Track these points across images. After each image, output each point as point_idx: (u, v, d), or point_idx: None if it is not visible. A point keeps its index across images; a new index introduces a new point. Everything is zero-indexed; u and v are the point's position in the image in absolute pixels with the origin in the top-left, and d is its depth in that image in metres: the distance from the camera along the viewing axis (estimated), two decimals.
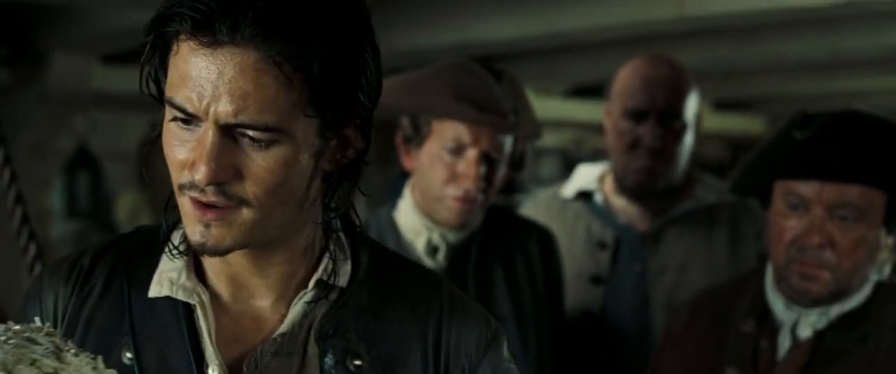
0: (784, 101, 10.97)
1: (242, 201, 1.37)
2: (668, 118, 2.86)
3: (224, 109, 1.33)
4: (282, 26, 1.33)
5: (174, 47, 1.37)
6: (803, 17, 6.16)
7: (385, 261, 1.58)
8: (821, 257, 2.26)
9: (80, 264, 1.55)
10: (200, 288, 1.49)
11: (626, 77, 2.95)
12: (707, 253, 2.92)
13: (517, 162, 2.60)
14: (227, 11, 1.32)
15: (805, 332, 2.31)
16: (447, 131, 2.45)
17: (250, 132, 1.35)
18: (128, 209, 10.07)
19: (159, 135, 1.43)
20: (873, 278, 2.33)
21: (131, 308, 1.49)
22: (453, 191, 2.47)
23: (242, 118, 1.34)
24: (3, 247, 2.26)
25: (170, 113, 1.39)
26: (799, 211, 2.29)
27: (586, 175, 3.11)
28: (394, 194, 2.64)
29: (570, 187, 3.10)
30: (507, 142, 2.52)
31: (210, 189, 1.36)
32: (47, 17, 6.68)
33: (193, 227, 1.39)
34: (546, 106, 10.02)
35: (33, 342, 1.28)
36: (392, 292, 1.53)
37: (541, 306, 2.61)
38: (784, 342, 2.33)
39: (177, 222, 1.51)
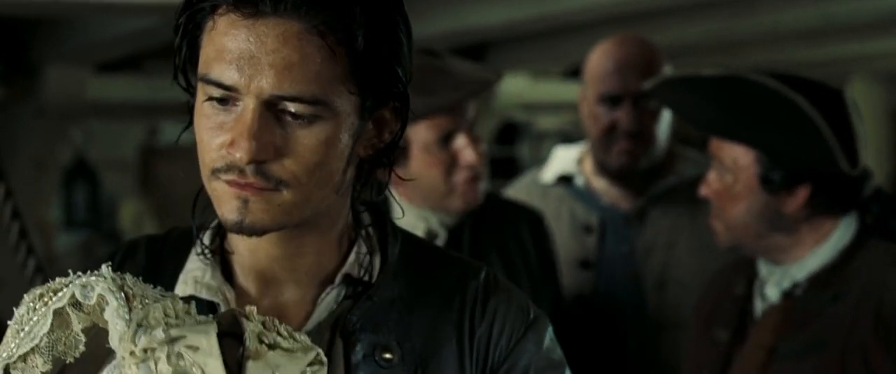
0: (781, 70, 10.94)
1: (281, 182, 1.32)
2: (643, 100, 2.84)
3: (268, 81, 1.29)
4: None
5: (209, 24, 1.32)
6: None
7: (418, 253, 1.52)
8: (713, 207, 2.38)
9: (111, 263, 1.53)
10: (226, 287, 1.45)
11: (597, 61, 2.91)
12: (693, 228, 2.88)
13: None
14: None
15: (771, 291, 2.32)
16: (428, 128, 2.40)
17: (293, 107, 1.30)
18: (131, 217, 10.07)
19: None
20: (835, 238, 2.30)
21: None
22: (461, 176, 2.45)
23: (287, 90, 1.29)
24: (9, 266, 2.26)
25: (203, 93, 1.34)
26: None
27: (565, 158, 3.06)
28: None
29: (550, 172, 3.05)
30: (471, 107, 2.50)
31: (249, 169, 1.30)
32: (40, 31, 6.67)
33: (230, 205, 1.33)
34: (545, 89, 10.02)
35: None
36: (425, 284, 1.48)
37: (537, 288, 2.57)
38: (757, 302, 2.35)
39: (206, 222, 1.47)
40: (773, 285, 2.32)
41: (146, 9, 5.15)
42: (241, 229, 1.35)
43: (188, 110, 1.39)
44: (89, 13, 5.79)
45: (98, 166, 9.82)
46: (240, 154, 1.30)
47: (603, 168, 2.91)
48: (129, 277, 1.27)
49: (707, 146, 2.40)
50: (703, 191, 2.37)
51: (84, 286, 1.24)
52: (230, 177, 1.32)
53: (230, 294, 1.45)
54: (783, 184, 2.25)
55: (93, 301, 1.24)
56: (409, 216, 2.50)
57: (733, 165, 2.30)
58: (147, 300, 1.23)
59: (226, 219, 1.35)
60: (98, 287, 1.23)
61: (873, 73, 11.82)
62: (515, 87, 9.61)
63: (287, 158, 1.32)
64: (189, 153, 1.39)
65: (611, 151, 2.85)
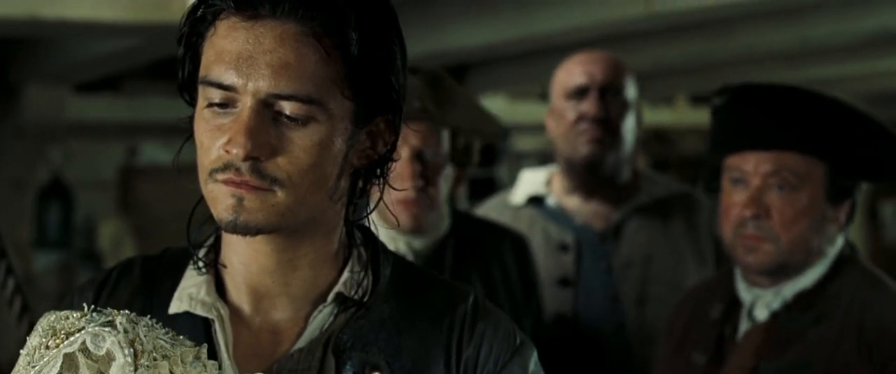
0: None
1: (275, 181, 1.36)
2: (609, 92, 2.88)
3: (265, 80, 1.33)
4: (321, 1, 1.35)
5: (210, 31, 1.38)
6: (773, 8, 6.19)
7: (408, 275, 1.55)
8: (759, 227, 2.26)
9: (106, 283, 1.55)
10: (220, 303, 1.47)
11: (562, 70, 2.98)
12: (668, 244, 2.93)
13: (462, 157, 2.54)
14: None
15: (761, 313, 2.31)
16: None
17: (288, 109, 1.35)
18: (110, 237, 10.02)
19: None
20: (830, 253, 2.32)
21: None
22: (395, 196, 2.43)
23: (283, 89, 1.34)
24: None
25: (204, 99, 1.38)
26: (740, 186, 2.30)
27: (533, 180, 3.09)
28: None
29: (519, 193, 3.07)
30: (443, 137, 2.47)
31: (245, 166, 1.34)
32: (19, 51, 6.66)
33: (225, 203, 1.36)
34: (523, 110, 10.05)
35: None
36: (415, 306, 1.50)
37: (518, 311, 2.57)
38: (742, 325, 2.34)
39: (200, 241, 1.51)
40: (762, 307, 2.31)
41: (126, 29, 5.15)
42: (236, 227, 1.38)
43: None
44: (69, 33, 5.78)
45: (77, 187, 9.76)
46: (236, 150, 1.33)
47: (571, 168, 2.93)
48: (143, 326, 1.30)
49: (710, 168, 2.38)
50: (754, 211, 2.27)
51: (96, 336, 1.27)
52: (226, 176, 1.36)
53: (224, 311, 1.47)
54: (847, 193, 2.28)
55: (102, 352, 1.27)
56: (381, 237, 2.49)
57: (802, 179, 2.26)
58: (155, 356, 1.27)
59: (221, 218, 1.38)
60: (108, 340, 1.27)
61: (849, 95, 11.90)
62: (494, 108, 9.58)
63: (281, 158, 1.36)
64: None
65: (577, 141, 2.88)
